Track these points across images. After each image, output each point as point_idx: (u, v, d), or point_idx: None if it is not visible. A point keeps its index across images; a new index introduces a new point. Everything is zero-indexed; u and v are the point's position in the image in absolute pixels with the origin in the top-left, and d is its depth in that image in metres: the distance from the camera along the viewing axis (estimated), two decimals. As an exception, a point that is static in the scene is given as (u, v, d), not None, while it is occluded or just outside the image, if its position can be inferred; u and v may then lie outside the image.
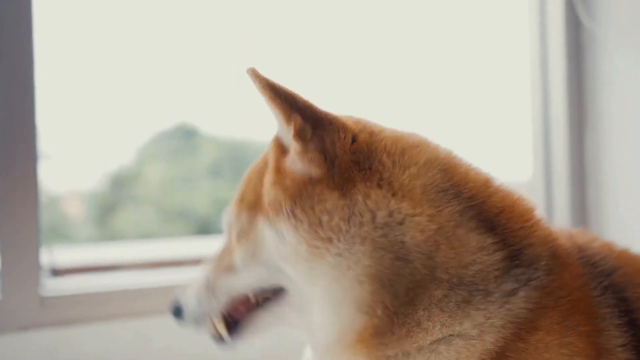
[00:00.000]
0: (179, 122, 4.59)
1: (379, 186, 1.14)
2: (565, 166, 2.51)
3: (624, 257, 1.23)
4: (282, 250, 1.19)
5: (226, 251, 1.34)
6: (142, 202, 4.54)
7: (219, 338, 1.36)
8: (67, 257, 2.35)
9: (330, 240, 1.14)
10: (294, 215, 1.18)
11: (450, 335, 1.06)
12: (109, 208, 4.40)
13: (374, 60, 2.97)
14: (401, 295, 1.07)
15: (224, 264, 1.31)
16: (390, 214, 1.12)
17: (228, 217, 1.36)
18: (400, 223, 1.11)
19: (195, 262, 2.32)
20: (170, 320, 2.02)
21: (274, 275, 1.24)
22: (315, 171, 1.18)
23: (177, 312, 1.37)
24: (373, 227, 1.11)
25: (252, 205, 1.27)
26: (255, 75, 1.19)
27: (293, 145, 1.20)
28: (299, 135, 1.18)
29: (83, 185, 4.35)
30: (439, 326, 1.06)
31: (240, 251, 1.27)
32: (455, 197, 1.13)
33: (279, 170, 1.24)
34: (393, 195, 1.13)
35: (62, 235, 4.15)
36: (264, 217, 1.23)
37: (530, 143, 2.68)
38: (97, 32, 3.65)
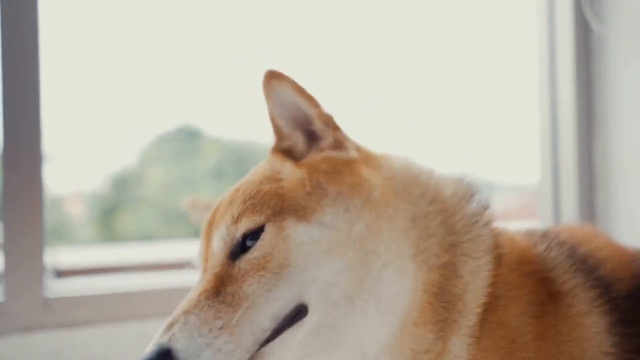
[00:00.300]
0: (182, 123, 4.59)
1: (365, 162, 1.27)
2: (573, 170, 2.50)
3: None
4: (325, 243, 1.12)
5: (218, 284, 1.13)
6: (144, 204, 4.54)
7: None
8: (70, 259, 2.36)
9: (384, 210, 1.17)
10: (342, 195, 1.16)
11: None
12: (111, 209, 4.40)
13: (381, 62, 2.97)
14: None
15: (225, 300, 1.10)
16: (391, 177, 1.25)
17: (217, 246, 1.17)
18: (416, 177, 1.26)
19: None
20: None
21: (299, 293, 1.12)
22: (353, 153, 1.26)
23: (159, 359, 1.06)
24: (416, 201, 1.21)
25: (275, 212, 1.16)
26: (286, 77, 1.20)
27: (331, 137, 1.25)
28: (333, 125, 1.26)
29: (85, 187, 4.36)
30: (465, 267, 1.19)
31: (256, 277, 1.10)
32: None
33: (311, 162, 1.23)
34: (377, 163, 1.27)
35: (64, 236, 4.15)
36: (297, 218, 1.14)
37: (538, 146, 2.68)
38: (99, 33, 3.66)
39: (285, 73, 1.22)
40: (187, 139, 4.57)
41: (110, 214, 4.47)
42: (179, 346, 1.05)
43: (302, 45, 3.21)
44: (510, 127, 3.15)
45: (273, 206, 1.16)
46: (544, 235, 1.35)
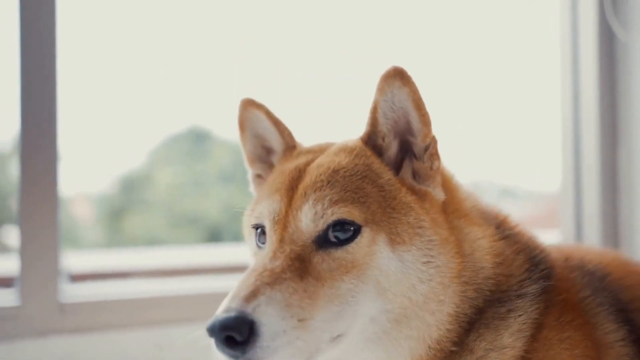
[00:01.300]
0: (191, 125, 4.62)
1: (458, 216, 1.22)
2: (596, 177, 2.49)
3: (614, 264, 1.39)
4: (391, 281, 1.11)
5: (300, 268, 1.11)
6: (152, 206, 4.58)
7: None
8: (78, 263, 2.40)
9: (445, 286, 1.13)
10: (432, 244, 1.13)
11: (489, 349, 1.15)
12: (118, 212, 4.44)
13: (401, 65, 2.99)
14: (465, 325, 1.16)
15: (307, 291, 1.08)
16: (471, 243, 1.20)
17: (305, 223, 1.13)
18: (476, 250, 1.19)
19: (208, 270, 2.35)
20: (187, 331, 2.06)
21: (350, 323, 1.11)
22: (441, 195, 1.21)
23: (241, 328, 1.02)
24: (464, 257, 1.18)
25: (374, 221, 1.14)
26: (411, 81, 1.17)
27: (427, 162, 1.21)
28: (435, 153, 1.20)
29: (92, 188, 4.40)
30: (484, 344, 1.15)
31: (338, 282, 1.10)
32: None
33: (412, 188, 1.19)
34: (467, 221, 1.22)
35: (70, 238, 4.20)
36: (388, 240, 1.13)
37: (559, 153, 2.68)
38: (109, 36, 3.69)
39: (412, 79, 1.18)
40: (197, 141, 4.60)
41: (118, 217, 4.50)
42: (264, 321, 1.03)
43: (313, 47, 3.24)
44: (530, 133, 3.16)
45: (373, 212, 1.15)
46: (580, 268, 1.32)
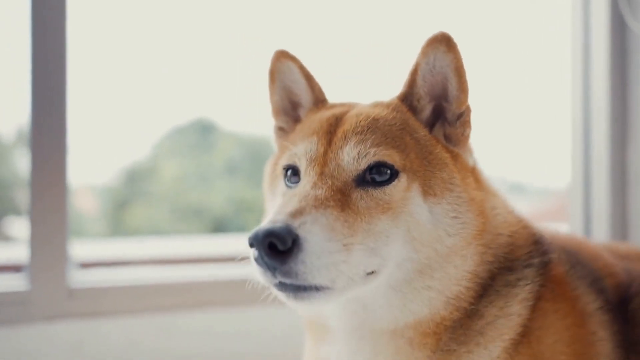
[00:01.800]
0: (197, 117, 4.64)
1: (480, 184, 1.30)
2: (605, 173, 2.50)
3: (575, 241, 1.54)
4: (422, 231, 1.16)
5: (342, 199, 1.14)
6: (157, 198, 4.60)
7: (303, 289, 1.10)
8: (84, 252, 2.43)
9: (469, 244, 1.20)
10: (461, 200, 1.19)
11: (498, 315, 1.23)
12: (122, 204, 4.47)
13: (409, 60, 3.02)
14: (481, 289, 1.23)
15: (348, 221, 1.12)
16: (492, 210, 1.28)
17: (347, 160, 1.16)
18: (496, 217, 1.28)
19: (214, 260, 2.38)
20: (194, 316, 2.09)
21: (385, 258, 1.16)
22: (471, 160, 1.29)
23: (286, 238, 1.03)
24: (486, 220, 1.25)
25: (412, 169, 1.19)
26: (456, 48, 1.21)
27: (459, 128, 1.26)
28: (468, 120, 1.27)
29: (97, 180, 4.43)
30: (494, 310, 1.23)
31: (376, 219, 1.14)
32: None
33: (446, 148, 1.25)
34: (486, 190, 1.30)
35: (74, 231, 4.23)
36: (421, 190, 1.18)
37: (568, 148, 2.68)
38: (116, 28, 3.72)
39: (458, 46, 1.23)
40: (202, 132, 4.62)
41: (122, 209, 4.53)
42: (309, 238, 1.06)
43: (317, 38, 3.26)
44: (539, 129, 3.17)
45: (412, 161, 1.20)
46: (557, 246, 1.42)
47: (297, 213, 1.09)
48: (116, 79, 3.98)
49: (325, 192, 1.15)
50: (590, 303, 1.34)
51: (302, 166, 1.22)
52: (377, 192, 1.17)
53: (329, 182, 1.17)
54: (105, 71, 3.77)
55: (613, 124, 2.54)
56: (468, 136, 1.29)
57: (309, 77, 1.40)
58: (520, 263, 1.28)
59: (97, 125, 4.00)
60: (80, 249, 2.08)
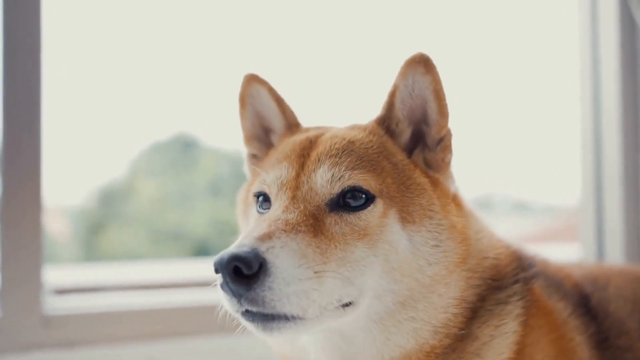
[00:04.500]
0: (177, 131, 4.66)
1: (462, 210, 1.36)
2: (618, 189, 2.54)
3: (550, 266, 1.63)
4: (401, 261, 1.20)
5: (314, 225, 1.17)
6: (134, 220, 4.61)
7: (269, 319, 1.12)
8: (57, 277, 2.46)
9: (451, 272, 1.26)
10: (441, 228, 1.24)
11: (493, 335, 1.30)
12: (97, 227, 4.47)
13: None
14: (470, 313, 1.30)
15: (320, 247, 1.14)
16: (475, 235, 1.35)
17: (321, 183, 1.21)
18: (479, 241, 1.35)
19: (195, 284, 2.43)
20: (176, 344, 2.13)
21: (361, 290, 1.19)
22: (453, 187, 1.35)
23: (252, 263, 1.06)
24: (470, 245, 1.31)
25: (389, 195, 1.22)
26: (434, 70, 1.25)
27: (439, 154, 1.32)
28: (449, 147, 1.34)
29: (68, 201, 4.44)
30: (489, 329, 1.30)
31: (352, 246, 1.17)
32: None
33: (426, 173, 1.30)
34: (468, 215, 1.37)
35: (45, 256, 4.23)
36: (399, 217, 1.21)
37: (578, 163, 2.68)
38: (89, 37, 3.75)
39: (437, 68, 1.26)
40: (183, 149, 4.63)
41: (96, 232, 4.53)
42: (277, 263, 1.08)
43: (305, 51, 3.33)
44: (544, 144, 3.23)
45: (388, 186, 1.24)
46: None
47: (266, 237, 1.11)
48: (88, 91, 3.99)
49: (297, 216, 1.17)
50: (562, 311, 1.44)
51: (273, 193, 1.25)
52: (352, 218, 1.19)
53: (301, 206, 1.19)
54: (76, 82, 3.78)
55: (625, 133, 2.52)
56: (449, 162, 1.34)
57: (279, 101, 1.44)
58: (508, 280, 1.36)
59: (67, 140, 4.00)
60: (53, 275, 2.12)
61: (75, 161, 4.15)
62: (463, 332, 1.27)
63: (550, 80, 3.14)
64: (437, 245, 1.25)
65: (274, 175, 1.28)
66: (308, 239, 1.14)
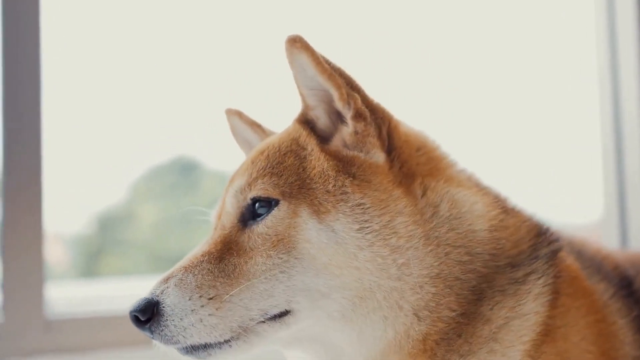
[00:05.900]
0: (177, 154, 4.70)
1: (436, 178, 1.33)
2: None
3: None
4: (329, 255, 1.20)
5: (224, 249, 1.25)
6: (134, 246, 4.62)
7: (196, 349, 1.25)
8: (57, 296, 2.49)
9: (399, 248, 1.23)
10: (362, 208, 1.22)
11: (511, 317, 1.27)
12: (96, 254, 4.49)
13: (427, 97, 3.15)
14: (469, 293, 1.26)
15: (226, 270, 1.22)
16: (454, 204, 1.30)
17: (230, 203, 1.29)
18: (465, 212, 1.30)
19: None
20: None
21: (290, 298, 1.22)
22: (378, 157, 1.31)
23: (146, 309, 1.21)
24: (438, 222, 1.27)
25: (292, 194, 1.25)
26: (307, 47, 1.24)
27: (351, 127, 1.31)
28: (360, 115, 1.31)
29: (66, 228, 4.46)
30: (504, 311, 1.27)
31: (264, 257, 1.21)
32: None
33: (336, 155, 1.29)
34: (450, 184, 1.33)
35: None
36: (311, 211, 1.23)
37: (600, 178, 2.64)
38: (86, 57, 3.82)
39: (309, 42, 1.26)
40: (183, 172, 4.65)
41: (95, 259, 4.54)
42: (168, 302, 1.20)
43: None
44: (560, 160, 3.24)
45: (291, 185, 1.27)
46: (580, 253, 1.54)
47: (169, 277, 1.25)
48: (85, 114, 4.04)
49: (209, 247, 1.28)
50: (603, 292, 1.44)
51: (212, 226, 1.35)
52: (260, 227, 1.25)
53: (216, 236, 1.29)
54: (73, 105, 3.84)
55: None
56: (364, 132, 1.30)
57: (252, 124, 1.53)
58: (524, 257, 1.32)
59: (64, 166, 4.05)
60: (54, 293, 2.15)
61: (73, 187, 4.18)
62: (460, 320, 1.24)
63: (569, 91, 3.16)
64: (362, 227, 1.23)
65: (215, 209, 1.41)
66: (209, 267, 1.25)
